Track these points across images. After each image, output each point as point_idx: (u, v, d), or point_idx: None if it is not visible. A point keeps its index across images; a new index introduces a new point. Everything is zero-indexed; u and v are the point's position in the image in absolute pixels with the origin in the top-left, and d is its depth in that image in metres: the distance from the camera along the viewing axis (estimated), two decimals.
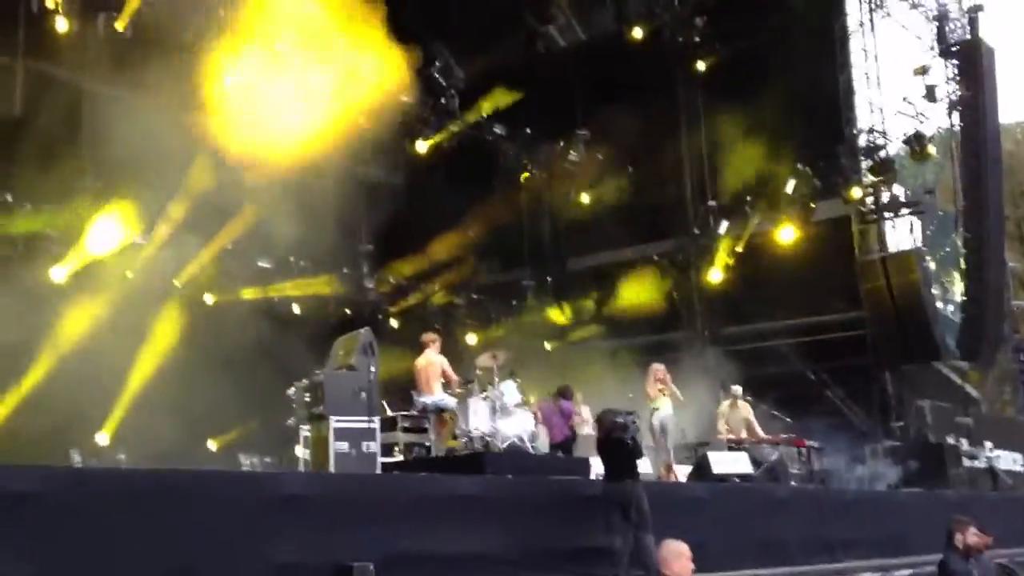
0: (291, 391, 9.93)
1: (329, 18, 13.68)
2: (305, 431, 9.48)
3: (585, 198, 20.38)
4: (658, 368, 12.69)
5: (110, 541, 5.83)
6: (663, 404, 12.50)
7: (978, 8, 20.39)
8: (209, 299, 14.75)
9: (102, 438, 12.32)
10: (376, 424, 9.02)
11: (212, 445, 13.19)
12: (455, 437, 11.07)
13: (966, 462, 15.38)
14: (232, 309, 13.94)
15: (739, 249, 19.48)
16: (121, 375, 12.42)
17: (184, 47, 13.50)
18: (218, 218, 14.28)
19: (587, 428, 12.90)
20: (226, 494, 6.73)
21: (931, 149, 18.49)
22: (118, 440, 12.20)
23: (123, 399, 12.30)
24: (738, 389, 13.74)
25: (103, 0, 13.27)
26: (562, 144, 19.67)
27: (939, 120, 20.09)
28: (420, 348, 11.62)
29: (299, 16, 13.72)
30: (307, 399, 9.54)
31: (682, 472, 12.08)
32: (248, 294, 15.40)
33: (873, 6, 19.97)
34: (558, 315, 19.95)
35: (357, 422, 8.84)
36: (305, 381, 9.67)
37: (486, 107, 18.32)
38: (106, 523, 5.87)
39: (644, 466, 11.04)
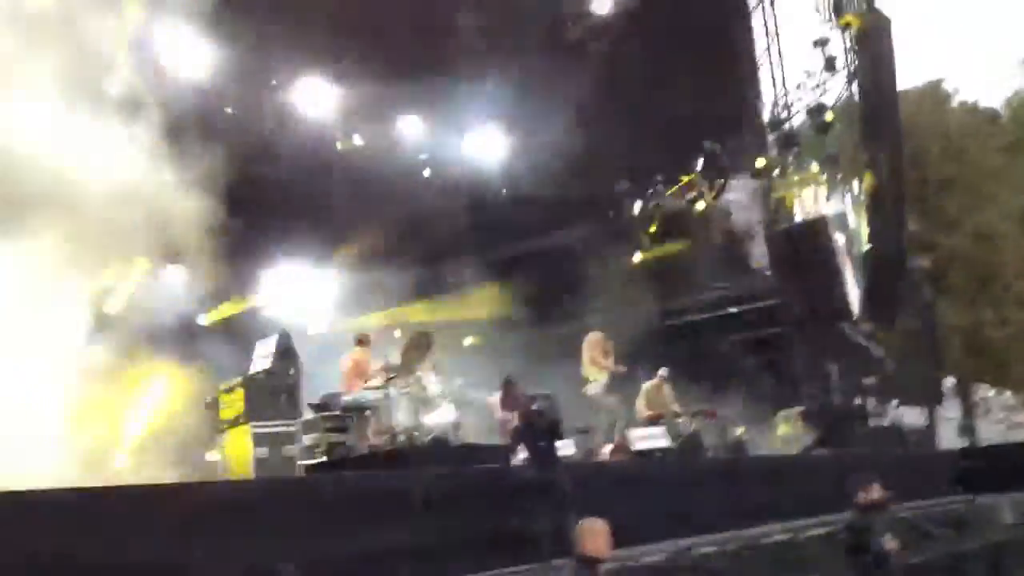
0: (208, 399, 9.88)
1: None
2: (223, 438, 9.45)
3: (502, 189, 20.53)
4: (596, 337, 12.32)
5: (27, 561, 5.78)
6: (606, 375, 12.18)
7: None
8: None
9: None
10: (297, 427, 9.05)
11: (123, 458, 12.94)
12: (379, 434, 11.13)
13: (873, 422, 16.01)
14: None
15: (653, 229, 19.87)
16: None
17: None
18: None
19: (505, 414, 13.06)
20: (141, 507, 6.71)
21: (830, 117, 18.98)
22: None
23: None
24: (664, 371, 14.02)
25: None
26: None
27: (840, 90, 20.68)
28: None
29: None
30: (225, 405, 9.53)
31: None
32: None
33: None
34: (480, 304, 20.07)
35: (276, 426, 8.87)
36: (221, 387, 9.64)
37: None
38: (18, 543, 5.82)
39: (567, 448, 11.33)
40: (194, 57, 14.94)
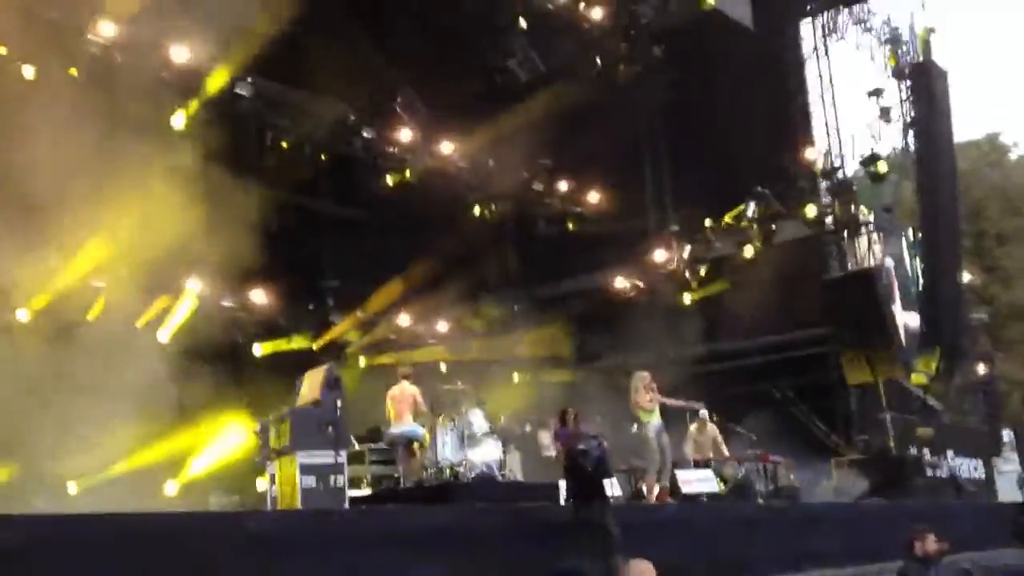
0: (256, 428, 9.90)
1: None
2: (272, 468, 9.45)
3: (552, 228, 20.55)
4: (644, 375, 11.83)
5: None
6: (656, 415, 11.66)
7: (931, 30, 20.92)
8: (164, 337, 14.62)
9: (71, 487, 12.14)
10: (343, 458, 9.02)
11: (173, 488, 13.01)
12: (424, 468, 11.09)
13: (928, 472, 15.62)
14: (190, 348, 13.77)
15: (703, 272, 19.74)
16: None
17: None
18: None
19: (552, 452, 12.92)
20: (191, 535, 6.72)
21: (883, 168, 18.82)
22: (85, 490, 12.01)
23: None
24: (704, 412, 13.78)
25: None
26: (526, 175, 19.83)
27: (895, 141, 20.57)
28: (391, 381, 11.66)
29: None
30: (273, 435, 9.54)
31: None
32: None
33: (827, 30, 20.44)
34: (529, 343, 20.03)
35: (323, 456, 8.84)
36: (271, 417, 9.67)
37: (450, 140, 18.44)
38: (69, 569, 5.83)
39: (614, 488, 11.15)
40: None
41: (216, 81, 14.81)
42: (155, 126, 13.89)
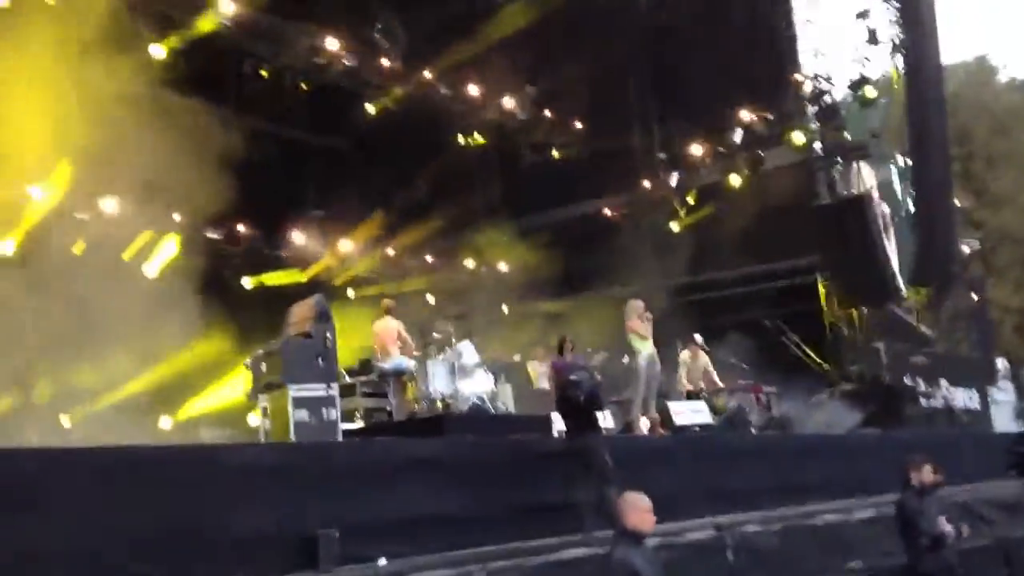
0: (247, 361, 9.76)
1: None
2: (263, 402, 9.34)
3: (538, 156, 20.27)
4: (638, 304, 11.62)
5: (70, 518, 5.73)
6: (650, 343, 11.48)
7: None
8: (151, 271, 14.38)
9: (64, 421, 12.06)
10: (335, 391, 8.91)
11: (167, 423, 12.95)
12: (416, 400, 11.04)
13: (922, 402, 15.66)
14: (177, 282, 13.57)
15: (691, 200, 19.56)
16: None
17: None
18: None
19: (544, 382, 12.90)
20: (184, 468, 6.65)
21: (871, 92, 18.56)
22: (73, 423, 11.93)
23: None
24: (699, 338, 13.73)
25: None
26: (511, 104, 19.45)
27: (883, 64, 20.24)
28: (379, 314, 11.53)
29: None
30: (264, 369, 9.41)
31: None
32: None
33: None
34: (517, 273, 19.91)
35: (315, 390, 8.72)
36: (261, 351, 9.52)
37: (431, 68, 18.02)
38: (65, 500, 5.77)
39: (607, 420, 11.13)
40: None
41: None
42: (132, 56, 13.48)
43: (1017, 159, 29.35)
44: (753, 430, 12.76)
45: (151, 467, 6.40)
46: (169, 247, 14.51)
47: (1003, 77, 34.03)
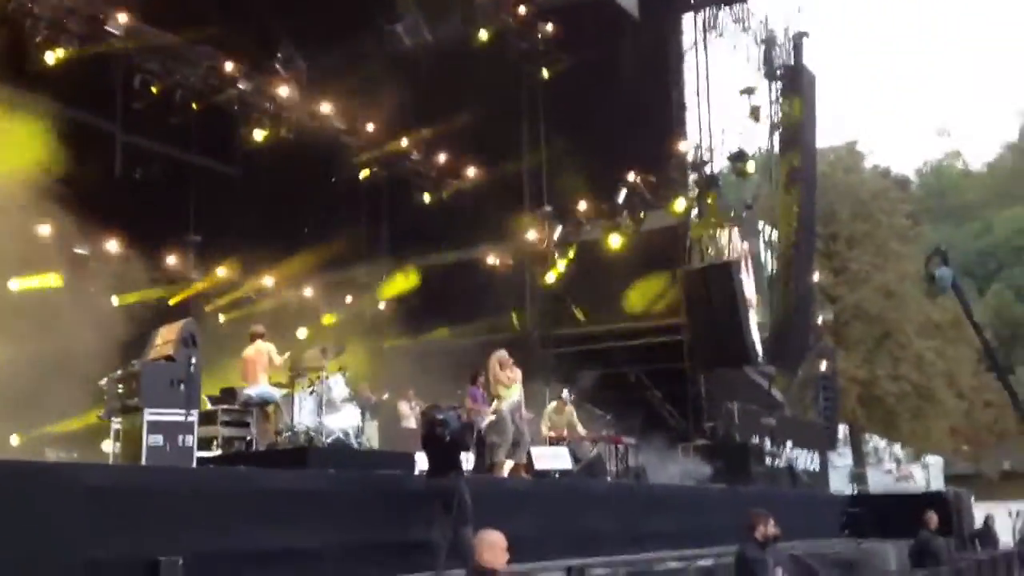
0: (103, 382, 9.50)
1: None
2: (116, 424, 9.10)
3: (426, 198, 20.49)
4: (502, 353, 11.94)
5: None
6: (516, 390, 11.82)
7: (803, 35, 21.81)
8: (15, 285, 13.84)
9: None
10: (194, 417, 8.75)
11: (15, 440, 12.40)
12: (279, 432, 10.92)
13: (768, 461, 16.44)
14: (42, 298, 13.12)
15: (571, 254, 20.07)
16: None
17: None
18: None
19: (411, 423, 12.98)
20: (25, 486, 6.42)
21: (749, 167, 19.55)
22: None
23: None
24: (566, 393, 14.10)
25: None
26: (404, 143, 19.67)
27: (762, 140, 21.39)
28: (248, 341, 11.41)
29: None
30: (120, 390, 9.17)
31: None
32: (59, 282, 14.43)
33: (708, 26, 20.98)
34: (391, 310, 19.97)
35: (173, 415, 8.56)
36: (119, 372, 9.29)
37: (328, 101, 18.08)
38: None
39: (469, 462, 11.26)
40: None
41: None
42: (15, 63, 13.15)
43: (876, 242, 31.25)
44: (609, 478, 13.14)
45: None
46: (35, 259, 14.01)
47: (868, 163, 36.33)
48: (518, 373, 11.92)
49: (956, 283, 9.98)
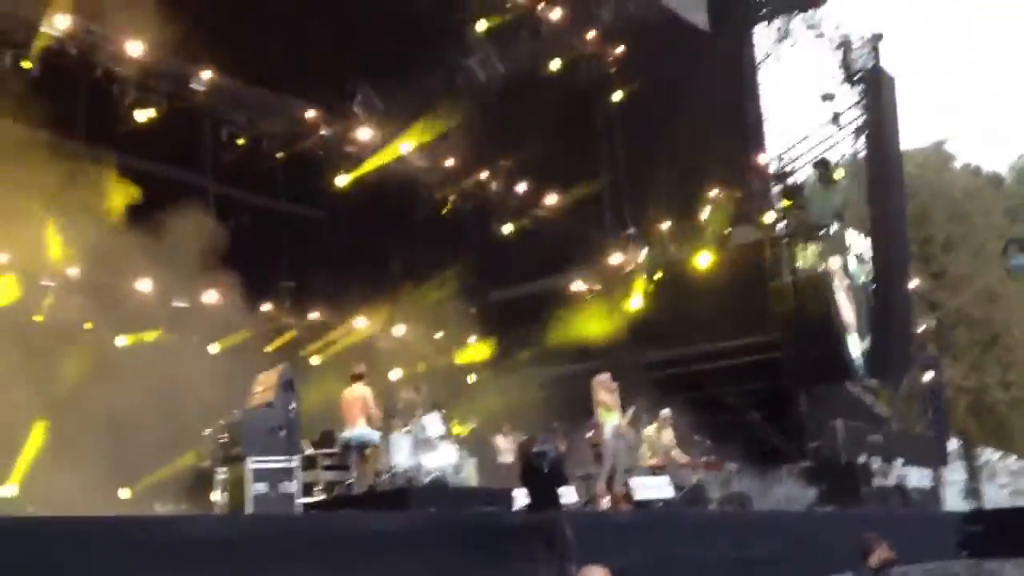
0: (207, 432, 9.74)
1: None
2: (222, 474, 9.29)
3: (507, 228, 20.57)
4: (603, 377, 11.81)
5: None
6: (616, 415, 11.63)
7: (879, 37, 21.25)
8: (122, 341, 14.34)
9: (9, 490, 11.84)
10: (296, 463, 8.89)
11: (124, 493, 12.78)
12: (378, 474, 11.01)
13: (877, 480, 15.84)
14: (145, 352, 13.56)
15: (658, 276, 19.85)
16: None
17: None
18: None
19: (509, 457, 12.94)
20: (138, 539, 6.60)
21: (837, 174, 19.09)
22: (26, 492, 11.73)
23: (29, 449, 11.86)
24: (667, 412, 13.90)
25: None
26: (483, 176, 19.81)
27: (845, 146, 20.86)
28: (346, 382, 11.55)
29: None
30: (223, 440, 9.38)
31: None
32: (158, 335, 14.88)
33: (781, 35, 20.68)
34: (482, 347, 20.02)
35: (275, 462, 8.70)
36: (222, 421, 9.51)
37: (408, 140, 18.33)
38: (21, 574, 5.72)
39: (569, 495, 11.17)
40: None
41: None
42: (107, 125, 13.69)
43: (973, 243, 30.10)
44: (713, 506, 12.85)
45: (102, 539, 6.35)
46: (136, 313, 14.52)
47: (958, 163, 35.09)
48: (617, 398, 11.80)
49: None
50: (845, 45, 20.91)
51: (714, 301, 18.06)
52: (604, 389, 11.69)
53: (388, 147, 18.06)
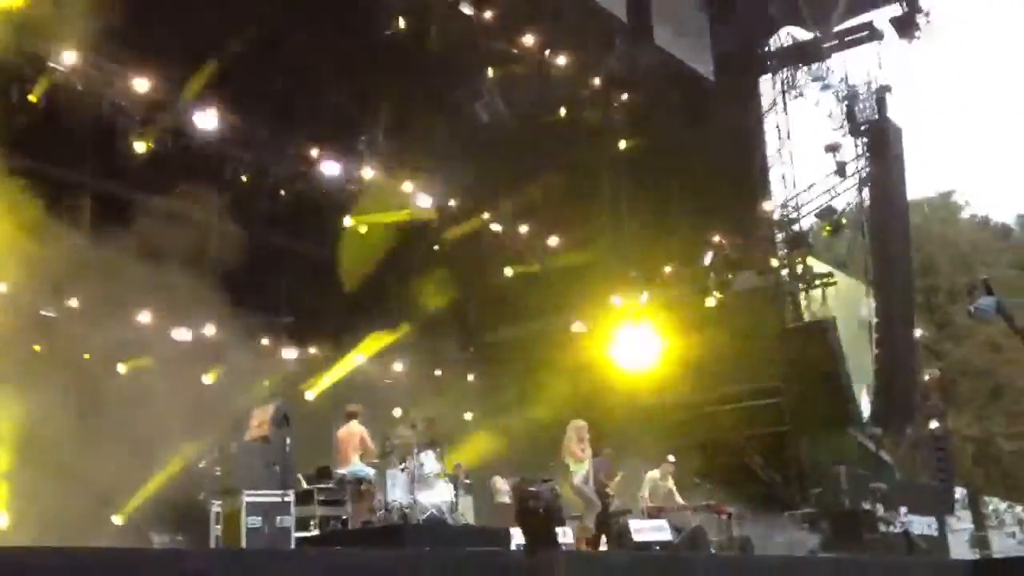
0: (201, 464, 9.64)
1: None
2: (216, 506, 9.17)
3: (508, 271, 20.56)
4: (580, 424, 11.73)
5: None
6: (586, 465, 11.59)
7: (886, 89, 21.43)
8: (122, 368, 14.27)
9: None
10: (291, 498, 8.82)
11: (117, 520, 12.64)
12: (373, 510, 10.88)
13: (881, 527, 15.62)
14: (143, 380, 13.50)
15: (660, 320, 19.78)
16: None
17: None
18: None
19: (505, 498, 12.77)
20: (130, 573, 6.46)
21: (842, 221, 19.15)
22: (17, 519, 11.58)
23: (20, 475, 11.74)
24: (672, 459, 13.76)
25: None
26: (485, 217, 19.86)
27: (850, 196, 20.94)
28: (342, 420, 11.46)
29: None
30: (218, 472, 9.28)
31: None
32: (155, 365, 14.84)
33: (786, 86, 20.86)
34: (479, 386, 19.91)
35: (270, 496, 8.62)
36: (216, 453, 9.42)
37: (410, 179, 18.41)
38: None
39: (566, 536, 11.00)
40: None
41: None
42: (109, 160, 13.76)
43: None
44: (713, 550, 12.64)
45: (93, 571, 6.22)
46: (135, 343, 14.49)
47: (965, 214, 35.21)
48: (588, 448, 11.70)
49: (1001, 306, 9.37)
50: (851, 97, 21.10)
51: (717, 345, 17.97)
52: (577, 437, 11.61)
53: (390, 186, 18.13)
